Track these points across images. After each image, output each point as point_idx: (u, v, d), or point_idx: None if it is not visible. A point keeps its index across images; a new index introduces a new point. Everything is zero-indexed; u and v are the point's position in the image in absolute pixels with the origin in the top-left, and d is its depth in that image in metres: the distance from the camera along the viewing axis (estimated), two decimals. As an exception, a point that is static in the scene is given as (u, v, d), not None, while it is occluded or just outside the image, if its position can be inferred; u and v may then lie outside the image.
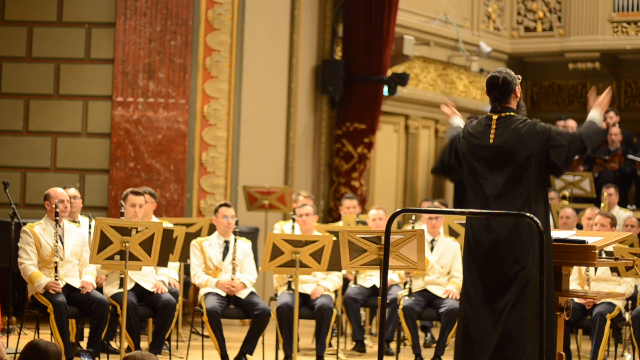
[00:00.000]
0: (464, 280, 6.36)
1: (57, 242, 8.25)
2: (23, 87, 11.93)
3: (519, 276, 6.14)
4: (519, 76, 6.38)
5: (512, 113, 6.28)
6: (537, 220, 5.20)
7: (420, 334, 9.90)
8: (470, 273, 6.30)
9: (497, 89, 6.30)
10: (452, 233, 10.54)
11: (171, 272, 9.04)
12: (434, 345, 9.57)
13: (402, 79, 13.61)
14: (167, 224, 8.83)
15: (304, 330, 10.30)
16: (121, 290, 8.39)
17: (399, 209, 5.86)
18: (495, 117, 6.29)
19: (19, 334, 8.87)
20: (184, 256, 9.31)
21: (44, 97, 11.89)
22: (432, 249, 9.52)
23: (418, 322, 9.45)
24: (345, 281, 10.04)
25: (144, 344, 9.06)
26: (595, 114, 6.34)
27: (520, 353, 6.09)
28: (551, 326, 6.14)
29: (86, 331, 8.59)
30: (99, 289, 8.59)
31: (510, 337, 6.14)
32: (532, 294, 6.07)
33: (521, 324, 6.11)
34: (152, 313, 8.69)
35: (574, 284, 8.80)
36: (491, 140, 6.25)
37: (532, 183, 6.22)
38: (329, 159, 13.67)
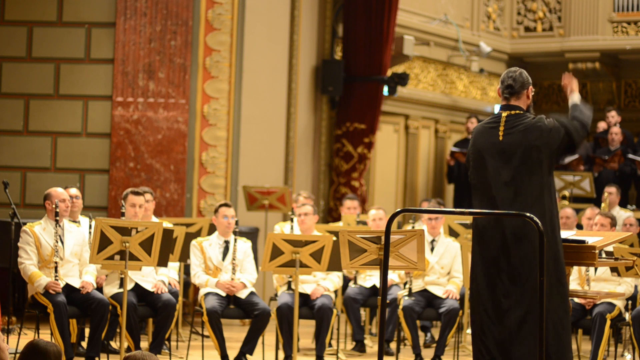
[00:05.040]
0: (475, 274, 6.39)
1: (57, 242, 8.25)
2: (23, 87, 11.93)
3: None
4: (534, 90, 6.53)
5: (521, 112, 6.37)
6: (537, 221, 5.20)
7: (420, 334, 9.90)
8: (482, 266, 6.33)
9: (512, 79, 6.43)
10: (452, 233, 10.54)
11: (171, 272, 9.04)
12: (434, 345, 9.57)
13: (402, 79, 13.61)
14: (167, 224, 8.83)
15: (304, 330, 10.30)
16: (121, 290, 8.39)
17: (399, 209, 5.86)
18: (505, 114, 6.39)
19: (19, 334, 8.86)
20: (184, 256, 9.31)
21: (44, 97, 11.89)
22: (432, 249, 9.51)
23: (418, 322, 9.45)
24: (346, 280, 10.04)
25: (144, 344, 9.06)
26: (575, 97, 6.73)
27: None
28: (567, 328, 6.21)
29: (86, 331, 8.59)
30: (99, 289, 8.59)
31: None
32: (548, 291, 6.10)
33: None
34: (152, 313, 8.69)
35: (574, 284, 8.80)
36: (500, 137, 6.33)
37: (541, 179, 6.26)
38: (329, 159, 13.67)
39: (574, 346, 9.45)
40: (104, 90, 11.76)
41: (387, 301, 9.33)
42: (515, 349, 6.21)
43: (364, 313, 10.35)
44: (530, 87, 6.49)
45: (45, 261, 8.25)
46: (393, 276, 9.77)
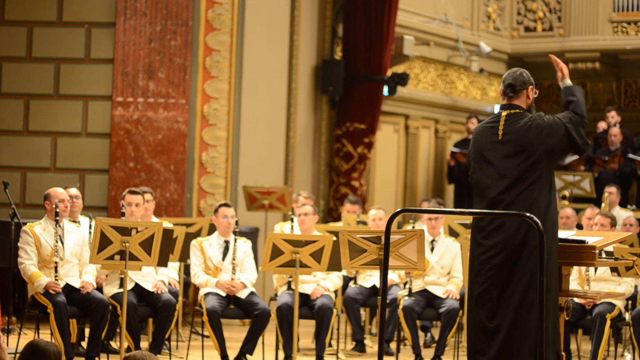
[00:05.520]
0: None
1: (57, 242, 8.25)
2: (23, 87, 11.93)
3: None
4: (536, 91, 6.50)
5: (520, 111, 6.37)
6: (537, 221, 5.20)
7: (420, 334, 9.90)
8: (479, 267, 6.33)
9: (512, 78, 6.42)
10: (452, 233, 10.54)
11: (171, 272, 9.04)
12: (434, 345, 9.58)
13: (402, 79, 13.61)
14: (167, 224, 8.83)
15: (304, 330, 10.30)
16: (121, 290, 8.39)
17: (399, 209, 5.86)
18: (504, 113, 6.40)
19: (19, 334, 8.86)
20: (184, 256, 9.31)
21: (44, 97, 11.89)
22: (432, 249, 9.51)
23: (418, 322, 9.45)
24: (346, 279, 10.03)
25: (144, 344, 9.06)
26: (568, 82, 6.52)
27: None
28: (556, 326, 6.18)
29: (86, 331, 8.59)
30: (99, 289, 8.59)
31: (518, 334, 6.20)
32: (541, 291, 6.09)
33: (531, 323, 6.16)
34: (152, 313, 8.69)
35: (574, 284, 8.80)
36: (499, 137, 6.33)
37: (540, 178, 6.26)
38: (329, 159, 13.67)
39: (573, 346, 9.47)
40: (104, 90, 11.76)
41: (387, 301, 9.33)
42: (512, 348, 6.22)
43: (364, 313, 10.35)
44: (531, 87, 6.46)
45: (45, 261, 8.25)
46: (393, 276, 9.77)
